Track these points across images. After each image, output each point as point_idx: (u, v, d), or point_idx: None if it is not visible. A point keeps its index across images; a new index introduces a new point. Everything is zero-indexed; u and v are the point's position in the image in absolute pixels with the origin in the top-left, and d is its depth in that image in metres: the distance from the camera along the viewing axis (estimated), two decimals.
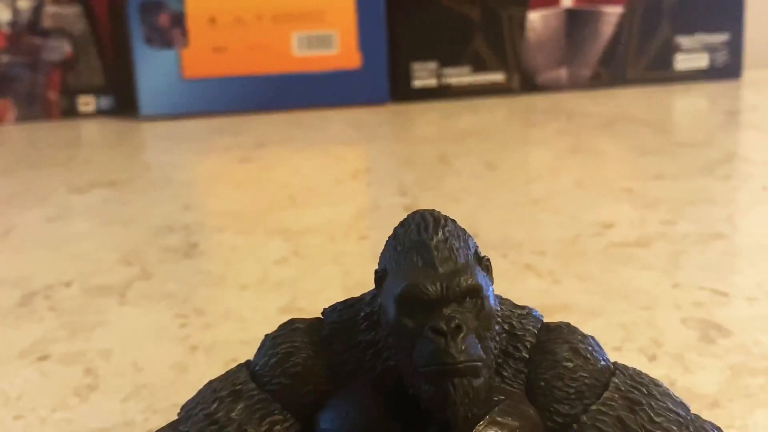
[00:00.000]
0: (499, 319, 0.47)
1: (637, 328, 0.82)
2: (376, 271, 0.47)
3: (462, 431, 0.44)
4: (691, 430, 0.47)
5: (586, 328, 0.50)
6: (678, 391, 0.51)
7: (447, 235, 0.46)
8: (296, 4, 1.64)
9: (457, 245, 0.46)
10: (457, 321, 0.44)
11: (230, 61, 1.64)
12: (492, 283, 0.47)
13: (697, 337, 0.80)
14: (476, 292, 0.45)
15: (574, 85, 1.72)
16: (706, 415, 0.50)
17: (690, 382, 0.73)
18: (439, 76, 1.71)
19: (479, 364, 0.44)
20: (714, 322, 0.83)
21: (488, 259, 0.47)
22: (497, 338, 0.46)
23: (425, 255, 0.45)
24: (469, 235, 0.47)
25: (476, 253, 0.47)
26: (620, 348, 0.79)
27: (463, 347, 0.43)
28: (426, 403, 0.44)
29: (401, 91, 1.70)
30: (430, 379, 0.43)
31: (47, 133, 1.65)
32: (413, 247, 0.46)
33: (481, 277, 0.45)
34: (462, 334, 0.43)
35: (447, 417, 0.44)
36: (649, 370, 0.50)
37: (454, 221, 0.47)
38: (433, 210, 0.47)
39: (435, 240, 0.46)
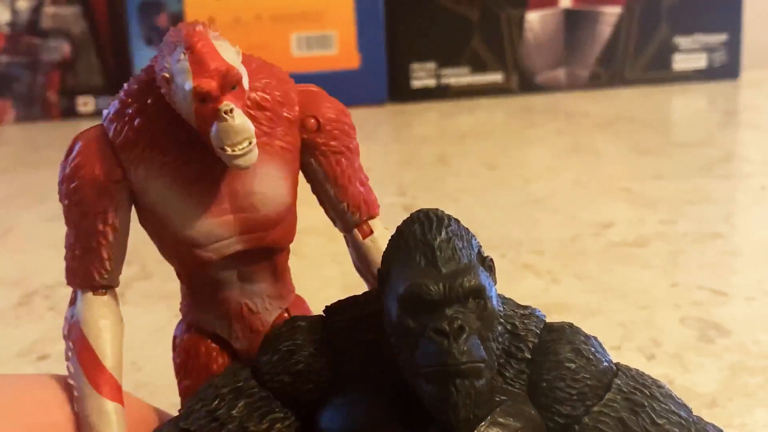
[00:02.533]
0: (501, 320, 0.47)
1: (636, 327, 0.83)
2: (379, 271, 0.47)
3: (458, 430, 0.44)
4: (693, 431, 0.47)
5: (585, 328, 0.50)
6: (677, 391, 0.51)
7: (450, 234, 0.46)
8: (295, 4, 1.64)
9: (461, 245, 0.46)
10: (459, 322, 0.43)
11: None
12: (495, 284, 0.46)
13: (696, 337, 0.80)
14: (479, 293, 0.44)
15: (573, 85, 1.72)
16: (705, 415, 0.50)
17: (689, 381, 0.73)
18: (437, 76, 1.71)
19: (482, 365, 0.43)
20: (713, 322, 0.83)
21: (491, 259, 0.47)
22: (499, 339, 0.46)
23: (428, 255, 0.45)
24: (473, 235, 0.47)
25: (479, 253, 0.47)
26: (619, 347, 0.79)
27: (465, 348, 0.43)
28: (428, 403, 0.44)
29: (400, 91, 1.70)
30: (432, 380, 0.43)
31: (46, 133, 1.65)
32: (416, 246, 0.45)
33: (484, 278, 0.45)
34: (464, 335, 0.43)
35: (449, 418, 0.44)
36: (648, 370, 0.50)
37: (457, 221, 0.47)
38: (437, 209, 0.47)
39: (438, 240, 0.45)
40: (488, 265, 0.47)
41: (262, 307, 0.53)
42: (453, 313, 0.44)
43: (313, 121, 0.51)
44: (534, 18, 1.71)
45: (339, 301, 0.51)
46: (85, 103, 1.72)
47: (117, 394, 0.50)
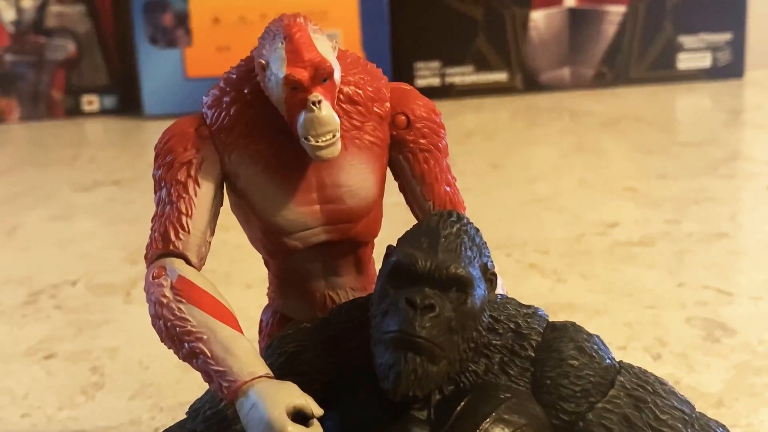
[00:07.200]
0: (482, 328, 0.46)
1: (641, 327, 0.83)
2: (388, 246, 0.48)
3: (395, 400, 0.44)
4: (696, 427, 0.48)
5: (590, 327, 0.50)
6: (683, 390, 0.51)
7: (461, 233, 0.46)
8: (299, 3, 1.64)
9: (468, 245, 0.46)
10: (431, 301, 0.44)
11: (234, 61, 1.62)
12: (486, 296, 0.46)
13: (702, 336, 0.81)
14: (463, 285, 0.45)
15: (577, 84, 1.72)
16: (711, 414, 0.50)
17: (695, 381, 0.73)
18: (442, 75, 1.71)
19: (437, 349, 0.44)
20: (719, 321, 0.83)
21: (495, 275, 0.47)
22: (471, 344, 0.46)
23: (432, 240, 0.46)
24: (488, 250, 0.48)
25: (485, 264, 0.47)
26: (625, 347, 0.79)
27: (427, 325, 0.44)
28: (377, 369, 0.45)
29: None
30: (390, 346, 0.44)
31: (51, 132, 1.65)
32: (426, 232, 0.46)
33: (476, 277, 0.45)
34: (432, 314, 0.44)
35: (388, 385, 0.44)
36: (654, 369, 0.50)
37: (478, 230, 0.48)
38: (463, 214, 0.48)
39: (447, 231, 0.46)
40: (489, 278, 0.47)
41: (346, 299, 0.54)
42: (430, 293, 0.44)
43: (403, 117, 0.52)
44: (538, 17, 1.71)
45: (344, 303, 0.51)
46: (90, 102, 1.72)
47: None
